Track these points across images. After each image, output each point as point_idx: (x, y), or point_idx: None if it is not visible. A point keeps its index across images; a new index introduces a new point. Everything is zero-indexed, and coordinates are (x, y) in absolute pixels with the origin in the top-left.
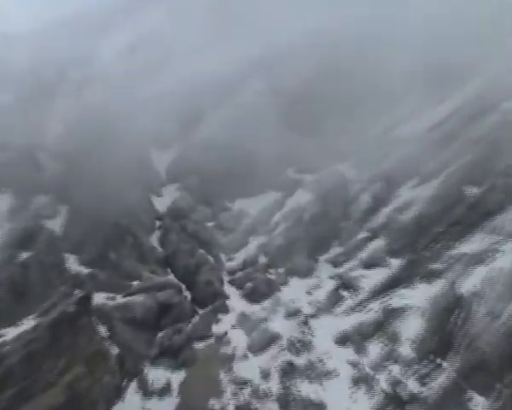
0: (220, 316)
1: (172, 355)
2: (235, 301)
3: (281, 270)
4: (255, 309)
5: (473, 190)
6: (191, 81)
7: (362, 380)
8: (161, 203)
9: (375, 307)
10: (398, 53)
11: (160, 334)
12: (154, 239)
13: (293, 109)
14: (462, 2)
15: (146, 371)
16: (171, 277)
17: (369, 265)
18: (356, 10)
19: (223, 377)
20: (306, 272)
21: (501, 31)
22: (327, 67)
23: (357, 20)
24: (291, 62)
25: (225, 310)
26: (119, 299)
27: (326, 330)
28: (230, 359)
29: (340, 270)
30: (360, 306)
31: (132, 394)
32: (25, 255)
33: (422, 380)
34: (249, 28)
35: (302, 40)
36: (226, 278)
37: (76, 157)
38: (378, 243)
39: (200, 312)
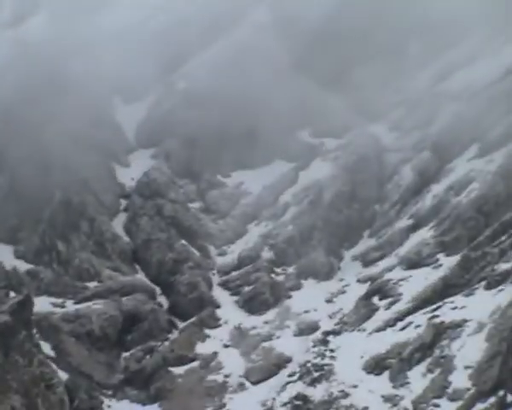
0: (208, 331)
1: (142, 384)
2: (229, 310)
3: (291, 269)
4: (256, 323)
5: None
6: (172, 10)
7: None
8: (128, 176)
9: (421, 321)
10: None
11: (126, 355)
12: (117, 225)
13: (309, 51)
14: None
15: (106, 405)
16: (141, 277)
17: (413, 264)
18: None
19: None
20: (326, 274)
21: None
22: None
23: None
24: None
25: (215, 323)
26: (70, 306)
27: (352, 352)
28: (221, 389)
29: (373, 270)
30: (400, 320)
31: None
32: None
33: None
34: None
35: None
36: (216, 280)
37: (10, 111)
38: (425, 235)
39: (181, 325)
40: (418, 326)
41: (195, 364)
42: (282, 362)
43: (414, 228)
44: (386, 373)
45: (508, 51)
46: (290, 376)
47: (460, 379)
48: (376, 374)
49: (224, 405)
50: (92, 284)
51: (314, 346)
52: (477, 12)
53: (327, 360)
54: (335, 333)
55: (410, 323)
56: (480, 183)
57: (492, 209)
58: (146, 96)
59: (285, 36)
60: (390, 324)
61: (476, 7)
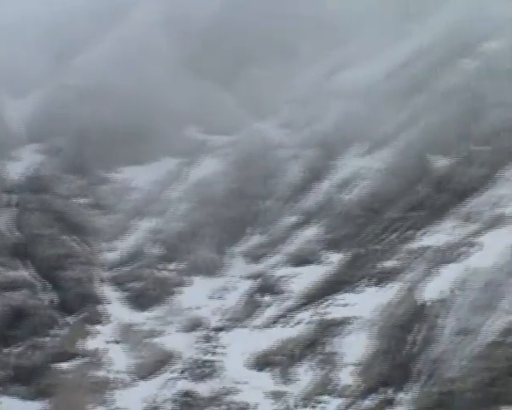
0: (94, 327)
1: (26, 380)
2: (116, 306)
3: (179, 266)
4: (143, 319)
5: (441, 162)
6: (61, 3)
7: None
8: (15, 170)
9: (307, 318)
10: None
11: (10, 350)
12: (1, 220)
13: (201, 50)
14: None
15: None
16: (26, 272)
17: (299, 261)
18: None
19: None
20: (214, 270)
21: None
22: None
23: None
24: None
25: (101, 319)
26: None
27: (239, 348)
28: (107, 385)
29: (260, 267)
30: (286, 317)
31: None
32: None
33: None
34: None
35: None
36: (103, 275)
37: None
38: (311, 232)
39: (68, 321)
40: (305, 323)
41: (81, 360)
42: (168, 358)
43: (302, 225)
44: (273, 370)
45: (395, 50)
46: (176, 372)
47: (347, 376)
48: (263, 371)
49: (110, 401)
50: None
51: (201, 342)
52: (365, 12)
53: (213, 357)
54: (222, 329)
55: (298, 319)
56: (367, 180)
57: (379, 207)
58: (35, 90)
59: (177, 33)
60: (277, 320)
61: (364, 7)
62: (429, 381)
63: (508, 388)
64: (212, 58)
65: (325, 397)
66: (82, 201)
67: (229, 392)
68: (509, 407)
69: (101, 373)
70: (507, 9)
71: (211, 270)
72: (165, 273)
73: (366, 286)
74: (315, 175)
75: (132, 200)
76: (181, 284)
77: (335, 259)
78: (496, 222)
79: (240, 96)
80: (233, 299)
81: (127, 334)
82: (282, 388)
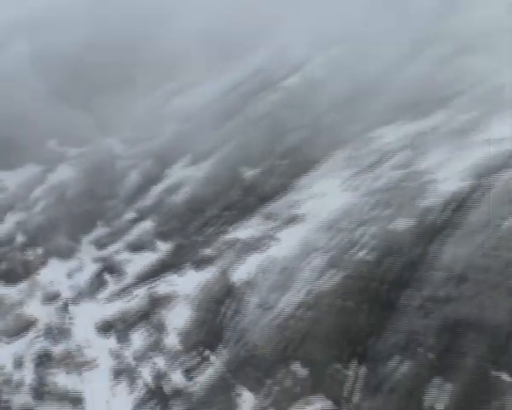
0: None
1: None
2: None
3: (40, 250)
4: (10, 292)
5: (249, 173)
6: None
7: (124, 372)
8: None
9: (141, 293)
10: (180, 24)
11: None
12: None
13: (64, 80)
14: None
15: None
16: None
17: (136, 248)
18: None
19: None
20: (67, 254)
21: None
22: (103, 36)
23: None
24: (63, 27)
25: None
26: None
27: (87, 316)
28: None
29: (105, 252)
30: (125, 292)
31: None
32: None
33: (188, 374)
34: None
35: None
36: None
37: None
38: (146, 225)
39: None
40: (140, 297)
41: None
42: (31, 324)
43: (138, 220)
44: (115, 334)
45: (216, 83)
46: (37, 335)
47: (172, 339)
48: (106, 334)
49: None
50: None
51: (57, 311)
52: (194, 51)
53: (67, 323)
54: (74, 301)
55: (134, 294)
56: (190, 186)
57: (199, 207)
58: None
59: (43, 65)
60: (118, 295)
61: (194, 47)
62: (237, 345)
63: (298, 351)
64: (74, 87)
65: (154, 354)
66: None
67: (78, 351)
68: (297, 363)
69: None
70: (302, 53)
71: (66, 254)
72: (29, 256)
73: (189, 269)
74: (150, 181)
75: (3, 198)
76: (42, 264)
77: (164, 247)
78: (291, 221)
79: (92, 116)
80: (84, 277)
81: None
82: (122, 348)
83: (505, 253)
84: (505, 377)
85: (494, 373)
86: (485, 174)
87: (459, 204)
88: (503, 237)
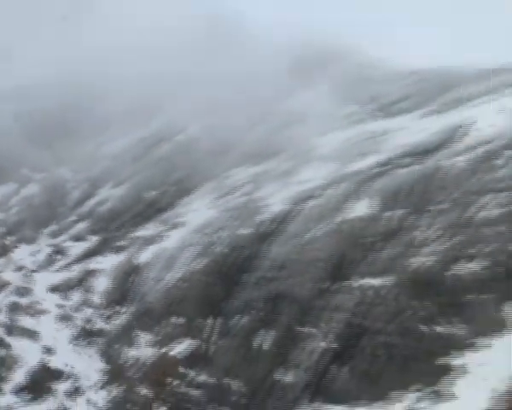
0: None
1: None
2: None
3: (14, 238)
4: None
5: (151, 194)
6: None
7: (65, 317)
8: None
9: (78, 268)
10: (115, 97)
11: None
12: None
13: (31, 128)
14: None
15: None
16: None
17: (76, 239)
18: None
19: None
20: (31, 241)
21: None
22: (61, 101)
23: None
24: (37, 95)
25: None
26: None
27: (43, 281)
28: None
29: (56, 241)
30: (68, 267)
31: None
32: None
33: (107, 320)
34: None
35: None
36: None
37: None
38: (83, 225)
39: None
40: (77, 270)
41: None
42: (5, 285)
43: (78, 221)
44: (60, 293)
45: (133, 136)
46: (10, 292)
47: (96, 298)
48: (55, 293)
49: None
50: None
51: (23, 277)
52: (117, 115)
53: (30, 285)
54: (35, 271)
55: (74, 268)
56: (112, 201)
57: (117, 214)
58: None
59: (21, 119)
60: (63, 268)
61: (116, 112)
62: (138, 303)
63: (177, 308)
64: (40, 133)
65: (86, 307)
66: None
67: (37, 303)
68: (176, 316)
69: None
70: (186, 119)
71: (30, 241)
72: (6, 241)
73: (109, 254)
74: (86, 197)
75: None
76: (15, 247)
77: (94, 239)
78: (176, 226)
79: (51, 154)
80: (41, 256)
81: None
82: (64, 302)
83: (308, 252)
84: (305, 330)
85: (299, 328)
86: (298, 202)
87: (282, 219)
88: (306, 243)
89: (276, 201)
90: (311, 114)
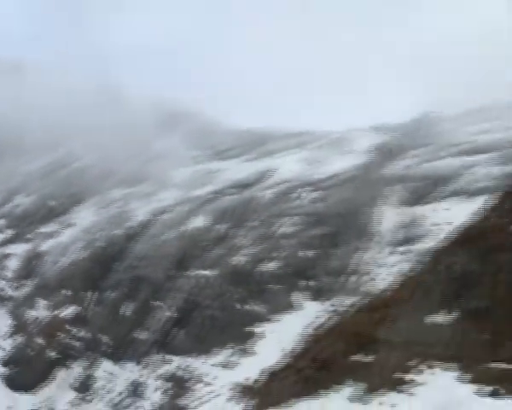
0: None
1: None
2: None
3: None
4: None
5: (53, 202)
6: None
7: None
8: None
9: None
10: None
11: None
12: None
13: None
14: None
15: None
16: None
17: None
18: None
19: None
20: None
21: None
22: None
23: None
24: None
25: None
26: None
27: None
28: None
29: None
30: None
31: None
32: None
33: (16, 289)
34: None
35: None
36: None
37: None
38: (2, 222)
39: None
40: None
41: None
42: None
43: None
44: None
45: (41, 161)
46: None
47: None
48: None
49: None
50: None
51: None
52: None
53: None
54: None
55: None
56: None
57: (34, 216)
58: None
59: None
60: None
61: (32, 137)
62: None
63: (71, 282)
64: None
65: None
66: None
67: None
68: (68, 290)
69: None
70: (77, 153)
71: None
72: None
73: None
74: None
75: None
76: None
77: (9, 232)
78: (70, 225)
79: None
80: None
81: None
82: None
83: (161, 249)
84: (156, 303)
85: (152, 302)
86: (156, 214)
87: (144, 226)
88: (161, 243)
89: (141, 213)
90: (169, 154)
